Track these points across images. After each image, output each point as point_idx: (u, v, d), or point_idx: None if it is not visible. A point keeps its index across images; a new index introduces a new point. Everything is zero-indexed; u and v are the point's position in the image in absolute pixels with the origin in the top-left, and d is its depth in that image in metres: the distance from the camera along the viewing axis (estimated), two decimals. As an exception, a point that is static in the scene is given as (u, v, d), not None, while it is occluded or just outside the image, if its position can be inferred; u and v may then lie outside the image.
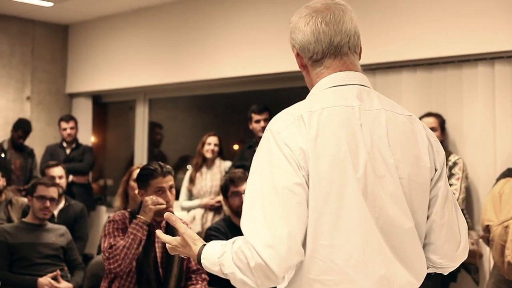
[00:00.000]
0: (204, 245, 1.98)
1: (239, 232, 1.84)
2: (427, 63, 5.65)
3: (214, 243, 1.94)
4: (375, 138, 1.90)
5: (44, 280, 4.69)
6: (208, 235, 4.54)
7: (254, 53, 6.72)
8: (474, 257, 5.08)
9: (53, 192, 5.02)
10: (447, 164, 5.19)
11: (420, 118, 5.34)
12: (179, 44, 7.67)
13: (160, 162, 4.11)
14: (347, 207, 1.82)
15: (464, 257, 2.10)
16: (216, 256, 1.87)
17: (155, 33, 7.99)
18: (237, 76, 6.98)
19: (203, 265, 1.94)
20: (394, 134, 1.94)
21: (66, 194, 6.67)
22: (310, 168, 1.80)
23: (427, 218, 2.00)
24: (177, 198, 6.49)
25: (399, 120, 1.98)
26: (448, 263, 2.07)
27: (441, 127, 5.32)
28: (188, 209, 6.41)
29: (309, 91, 2.06)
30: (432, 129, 5.24)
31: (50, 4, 7.88)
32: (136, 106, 8.54)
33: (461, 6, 5.45)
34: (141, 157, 8.23)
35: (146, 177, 4.03)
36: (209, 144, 6.47)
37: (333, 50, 1.99)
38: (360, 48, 2.07)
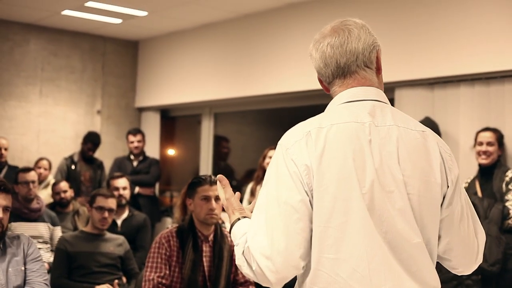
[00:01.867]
0: (239, 219, 2.07)
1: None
2: (485, 77, 5.57)
3: (242, 224, 2.03)
4: (384, 154, 1.91)
5: None
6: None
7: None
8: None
9: (111, 203, 5.15)
10: (503, 179, 5.10)
11: (477, 133, 5.27)
12: (244, 59, 7.76)
13: (210, 175, 4.20)
14: (352, 221, 1.84)
15: (479, 263, 2.15)
16: (235, 243, 1.99)
17: (221, 48, 8.11)
18: (303, 90, 6.99)
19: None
20: (405, 150, 1.94)
21: (132, 205, 6.83)
22: (314, 184, 1.85)
23: (443, 237, 2.02)
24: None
25: (411, 136, 1.98)
26: (465, 272, 2.14)
27: (498, 141, 5.22)
28: None
29: None
30: (489, 143, 5.16)
31: (119, 21, 8.10)
32: (202, 120, 8.66)
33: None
34: (206, 170, 8.34)
35: (194, 185, 4.12)
36: (270, 157, 6.51)
37: (341, 72, 2.04)
38: (378, 61, 2.10)
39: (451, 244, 2.03)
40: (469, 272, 2.14)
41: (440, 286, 1.99)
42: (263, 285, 1.92)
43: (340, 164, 1.86)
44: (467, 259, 2.09)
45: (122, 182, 6.39)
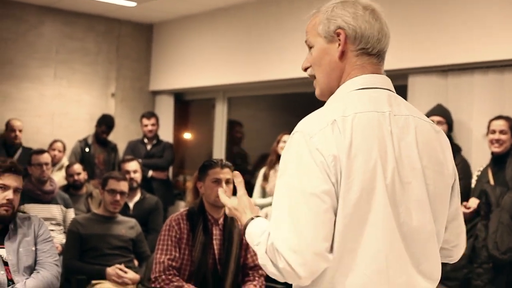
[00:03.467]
0: (252, 218, 2.02)
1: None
2: (499, 65, 5.52)
3: (258, 223, 1.98)
4: (403, 144, 1.89)
5: (112, 270, 4.84)
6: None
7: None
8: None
9: (123, 186, 5.17)
10: None
11: (490, 121, 5.24)
12: (258, 43, 7.74)
13: (222, 159, 4.23)
14: (374, 213, 1.82)
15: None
16: (254, 243, 1.90)
17: (235, 32, 8.09)
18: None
19: (246, 239, 2.00)
20: (422, 141, 1.94)
21: (146, 189, 6.86)
22: (342, 175, 1.79)
23: (448, 228, 2.05)
24: (250, 195, 6.62)
25: (425, 127, 1.98)
26: (455, 260, 2.23)
27: (511, 130, 5.18)
28: (261, 207, 6.48)
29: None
30: (502, 132, 5.13)
31: (134, 4, 8.09)
32: (216, 104, 8.66)
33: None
34: (219, 155, 8.34)
35: (205, 168, 4.15)
36: (284, 142, 6.53)
37: (382, 53, 1.99)
38: None
39: (453, 235, 2.08)
40: (457, 260, 2.21)
41: (439, 278, 2.00)
42: (291, 282, 1.86)
43: (367, 155, 1.82)
44: (462, 248, 2.16)
45: (133, 165, 6.42)
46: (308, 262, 1.76)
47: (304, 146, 1.80)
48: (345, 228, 1.80)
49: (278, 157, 6.58)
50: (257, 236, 1.90)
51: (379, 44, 1.96)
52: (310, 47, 2.04)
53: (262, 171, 6.76)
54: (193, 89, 8.92)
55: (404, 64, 5.96)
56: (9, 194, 3.73)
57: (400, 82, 5.98)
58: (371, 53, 1.97)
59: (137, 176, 6.35)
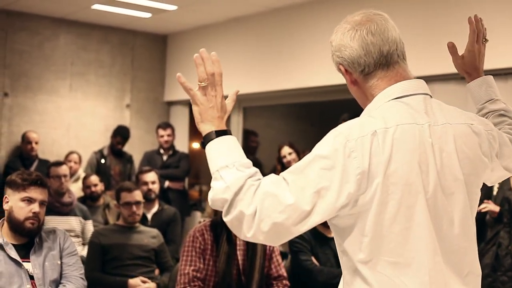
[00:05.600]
0: (217, 132, 1.91)
1: (323, 241, 1.86)
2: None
3: (229, 147, 1.89)
4: (444, 155, 1.87)
5: (134, 281, 4.82)
6: (292, 242, 4.58)
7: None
8: None
9: (137, 196, 5.14)
10: None
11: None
12: (273, 53, 7.73)
13: None
14: (415, 227, 1.80)
15: None
16: (221, 162, 1.84)
17: (249, 42, 8.09)
18: (332, 84, 6.93)
19: (207, 155, 1.90)
20: (462, 149, 1.92)
21: (162, 199, 6.85)
22: (377, 189, 1.76)
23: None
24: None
25: (462, 132, 1.95)
26: None
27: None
28: None
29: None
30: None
31: (148, 15, 8.11)
32: (231, 114, 8.61)
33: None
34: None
35: None
36: (284, 155, 6.81)
37: (384, 60, 1.93)
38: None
39: None
40: None
41: None
42: (235, 231, 1.80)
43: (407, 170, 1.79)
44: None
45: (151, 176, 6.39)
46: (284, 229, 1.75)
47: (340, 146, 1.77)
48: (382, 240, 1.78)
49: (283, 168, 6.65)
50: (233, 174, 1.81)
51: (370, 57, 1.93)
52: None
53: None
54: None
55: (423, 72, 5.90)
56: (35, 207, 3.70)
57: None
58: (370, 72, 1.95)
59: (155, 187, 6.33)
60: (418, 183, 1.80)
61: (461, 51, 2.38)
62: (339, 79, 6.72)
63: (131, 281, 4.82)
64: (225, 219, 1.79)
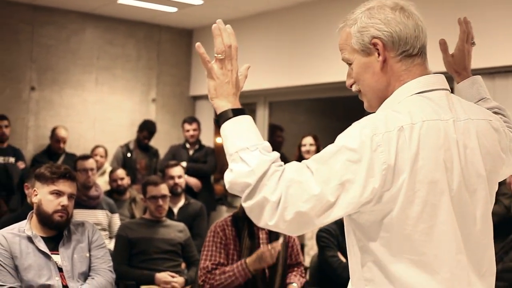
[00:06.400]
0: (234, 111, 1.85)
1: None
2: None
3: (248, 127, 1.83)
4: (468, 152, 1.84)
5: (161, 276, 4.83)
6: (319, 237, 4.57)
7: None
8: None
9: (163, 189, 5.14)
10: None
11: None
12: (299, 47, 7.70)
13: None
14: (440, 226, 1.77)
15: None
16: (244, 144, 1.77)
17: (275, 36, 8.06)
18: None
19: (221, 137, 1.83)
20: (484, 145, 1.89)
21: (188, 193, 6.84)
22: (403, 186, 1.72)
23: None
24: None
25: (484, 128, 1.92)
26: None
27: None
28: None
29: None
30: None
31: (174, 9, 8.11)
32: (257, 108, 8.64)
33: None
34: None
35: None
36: (305, 145, 6.77)
37: (423, 50, 1.91)
38: None
39: None
40: None
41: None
42: (254, 217, 1.75)
43: (433, 167, 1.75)
44: None
45: (177, 171, 6.38)
46: (307, 219, 1.70)
47: (366, 139, 1.72)
48: (405, 238, 1.76)
49: (300, 160, 6.63)
50: (253, 141, 1.77)
51: (418, 42, 1.88)
52: (349, 64, 1.97)
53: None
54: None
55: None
56: (64, 200, 3.71)
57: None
58: (413, 53, 1.89)
59: (182, 182, 6.32)
60: (443, 181, 1.77)
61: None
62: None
63: (158, 275, 4.83)
64: (244, 204, 1.74)
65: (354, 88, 1.99)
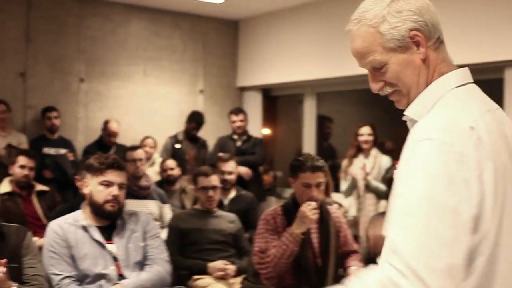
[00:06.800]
0: None
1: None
2: None
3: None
4: (509, 141, 1.75)
5: (215, 265, 4.80)
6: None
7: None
8: None
9: (214, 180, 5.11)
10: None
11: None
12: (346, 38, 7.58)
13: (314, 157, 4.12)
14: (505, 227, 1.65)
15: None
16: None
17: (322, 26, 7.97)
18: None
19: None
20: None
21: (238, 184, 6.78)
22: (487, 191, 1.61)
23: None
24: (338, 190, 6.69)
25: (504, 115, 1.83)
26: None
27: None
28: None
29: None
30: None
31: (220, 0, 8.07)
32: (304, 99, 8.57)
33: None
34: (309, 150, 8.25)
35: (296, 168, 4.06)
36: (362, 134, 6.66)
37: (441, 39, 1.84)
38: None
39: None
40: None
41: None
42: None
43: (499, 164, 1.64)
44: None
45: (229, 166, 6.26)
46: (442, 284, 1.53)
47: (445, 156, 1.59)
48: (477, 249, 1.61)
49: (357, 149, 6.67)
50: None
51: (436, 32, 1.80)
52: (381, 67, 1.82)
53: (343, 164, 6.83)
54: (281, 85, 8.86)
55: (500, 57, 5.75)
56: (114, 190, 3.72)
57: (496, 75, 5.82)
58: (442, 40, 1.81)
59: (232, 178, 6.20)
60: (509, 177, 1.67)
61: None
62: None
63: (211, 264, 4.80)
64: None
65: (386, 91, 1.86)
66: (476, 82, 1.83)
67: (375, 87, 1.87)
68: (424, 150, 1.62)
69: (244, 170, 7.57)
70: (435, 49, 1.79)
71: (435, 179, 1.58)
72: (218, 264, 4.80)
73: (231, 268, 4.82)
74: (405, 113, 1.84)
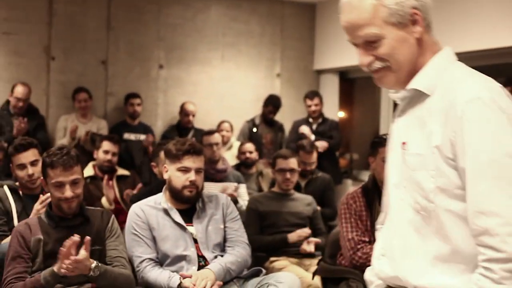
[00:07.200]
0: None
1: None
2: None
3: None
4: None
5: (295, 233, 4.94)
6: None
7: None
8: None
9: (292, 163, 5.19)
10: None
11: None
12: (438, 15, 7.44)
13: None
14: None
15: None
16: None
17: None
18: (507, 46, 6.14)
19: None
20: None
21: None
22: None
23: None
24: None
25: None
26: None
27: None
28: None
29: None
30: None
31: (297, -17, 8.09)
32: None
33: None
34: (386, 132, 8.18)
35: (376, 145, 4.08)
36: None
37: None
38: None
39: None
40: None
41: None
42: None
43: None
44: None
45: (311, 158, 6.27)
46: None
47: (498, 111, 1.69)
48: None
49: None
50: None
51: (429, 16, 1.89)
52: (375, 41, 1.87)
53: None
54: (358, 67, 8.76)
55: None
56: (191, 175, 3.79)
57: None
58: (431, 26, 1.88)
59: (312, 167, 6.29)
60: None
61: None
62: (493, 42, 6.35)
63: (290, 235, 4.92)
64: None
65: (374, 66, 1.91)
66: (494, 66, 1.92)
67: (364, 61, 1.91)
68: (479, 110, 1.70)
69: (320, 144, 7.59)
70: (427, 32, 1.86)
71: (503, 134, 1.67)
72: (298, 232, 4.93)
73: (308, 232, 4.94)
74: (411, 86, 1.87)
